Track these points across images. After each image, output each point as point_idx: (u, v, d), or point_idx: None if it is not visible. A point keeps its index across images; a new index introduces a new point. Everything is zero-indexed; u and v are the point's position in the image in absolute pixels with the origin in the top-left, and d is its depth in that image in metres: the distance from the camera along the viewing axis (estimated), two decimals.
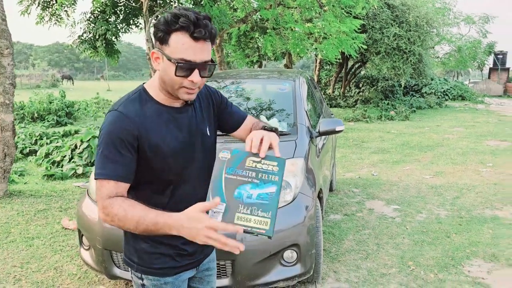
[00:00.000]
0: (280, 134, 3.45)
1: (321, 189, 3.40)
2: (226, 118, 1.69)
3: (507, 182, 6.17)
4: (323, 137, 4.23)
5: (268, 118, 3.71)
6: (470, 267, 3.49)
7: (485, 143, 9.65)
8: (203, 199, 1.45)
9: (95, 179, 1.38)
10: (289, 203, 2.83)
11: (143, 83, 1.50)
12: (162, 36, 1.33)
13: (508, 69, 29.57)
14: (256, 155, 1.31)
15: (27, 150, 8.10)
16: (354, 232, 4.24)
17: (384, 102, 17.19)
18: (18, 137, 8.85)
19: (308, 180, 3.09)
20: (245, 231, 1.23)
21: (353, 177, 6.48)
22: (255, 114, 3.89)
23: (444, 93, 22.07)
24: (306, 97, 4.13)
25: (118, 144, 1.35)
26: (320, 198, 3.42)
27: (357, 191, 5.70)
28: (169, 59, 1.32)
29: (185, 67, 1.32)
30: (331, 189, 5.50)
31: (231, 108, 1.72)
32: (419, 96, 20.70)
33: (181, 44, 1.30)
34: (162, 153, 1.41)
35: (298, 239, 2.78)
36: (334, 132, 3.68)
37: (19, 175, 6.55)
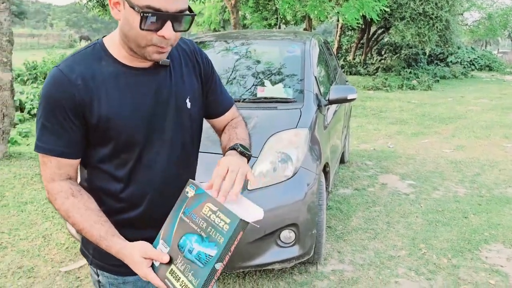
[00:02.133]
0: (285, 101, 3.14)
1: (327, 162, 3.10)
2: (211, 99, 1.35)
3: None
4: (335, 105, 3.89)
5: (273, 84, 3.38)
6: (487, 253, 3.19)
7: (511, 116, 9.10)
8: (180, 184, 1.15)
9: (34, 150, 1.13)
10: (289, 178, 2.55)
11: (103, 36, 1.20)
12: None
13: None
14: (216, 203, 1.04)
15: (35, 110, 7.95)
16: (364, 208, 3.96)
17: (407, 71, 16.49)
18: (27, 97, 8.71)
19: (312, 153, 2.79)
20: None
21: (367, 149, 6.15)
22: (261, 79, 3.57)
23: (471, 63, 21.09)
24: (317, 62, 3.77)
25: (58, 112, 1.08)
26: (326, 172, 3.13)
27: (371, 164, 5.38)
28: (132, 7, 1.00)
29: (154, 19, 1.00)
30: (343, 161, 5.20)
31: (220, 87, 1.39)
32: (444, 66, 19.83)
33: None
34: (116, 126, 1.12)
35: (297, 218, 2.51)
36: (345, 100, 3.34)
37: (23, 137, 6.40)
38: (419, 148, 6.28)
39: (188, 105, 1.24)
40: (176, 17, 1.03)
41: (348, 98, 3.30)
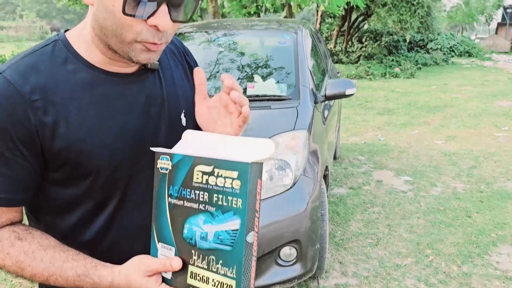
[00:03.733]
0: (279, 99, 2.84)
1: (326, 166, 2.83)
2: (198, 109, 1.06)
3: None
4: None
5: (264, 78, 3.07)
6: (498, 257, 2.98)
7: (497, 103, 9.01)
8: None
9: None
10: (288, 189, 2.26)
11: (64, 31, 0.86)
12: None
13: None
14: (207, 161, 0.72)
15: None
16: (362, 210, 3.71)
17: (388, 58, 16.34)
18: None
19: (312, 157, 2.50)
20: None
21: (358, 142, 5.90)
22: (249, 73, 3.25)
23: (451, 49, 21.10)
24: (310, 53, 3.47)
25: (1, 142, 0.75)
26: (325, 175, 2.85)
27: (363, 159, 5.13)
28: None
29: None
30: (334, 157, 4.93)
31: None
32: (425, 52, 19.78)
33: None
34: (94, 158, 0.80)
35: (299, 234, 2.23)
36: (343, 96, 3.05)
37: None
38: (410, 140, 6.07)
39: (183, 121, 0.95)
40: (174, 0, 0.73)
41: (347, 93, 3.01)
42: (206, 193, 0.72)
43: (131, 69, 0.85)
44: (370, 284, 2.66)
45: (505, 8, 26.90)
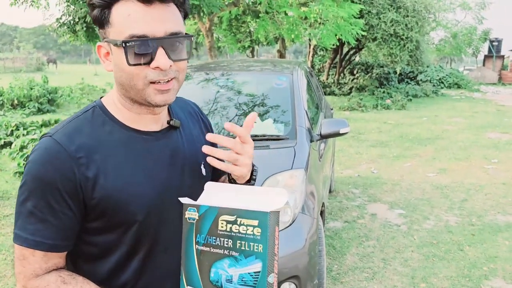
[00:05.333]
0: (277, 138, 2.98)
1: (323, 203, 2.94)
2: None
3: None
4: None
5: (262, 117, 3.22)
6: None
7: (486, 135, 9.25)
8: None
9: (14, 242, 0.91)
10: (287, 227, 2.36)
11: (101, 97, 1.01)
12: (99, 15, 0.86)
13: (503, 57, 29.25)
14: (230, 211, 0.84)
15: (2, 142, 7.52)
16: (357, 244, 3.80)
17: (380, 90, 16.73)
18: None
19: (309, 195, 2.62)
20: None
21: (352, 175, 6.03)
22: (248, 112, 3.39)
23: (440, 81, 21.63)
24: (306, 93, 3.63)
25: (51, 196, 0.87)
26: (321, 212, 2.96)
27: (357, 192, 5.25)
28: (116, 45, 0.85)
29: (140, 47, 0.84)
30: (330, 190, 5.05)
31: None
32: (415, 84, 20.26)
33: (126, 16, 0.84)
34: (129, 207, 0.92)
35: (298, 270, 2.32)
36: (337, 134, 3.20)
37: None
38: (402, 172, 6.21)
39: (203, 171, 1.08)
40: (168, 42, 0.87)
41: (341, 132, 3.17)
42: (230, 240, 0.83)
43: (157, 125, 1.00)
44: None
45: (491, 41, 27.76)
